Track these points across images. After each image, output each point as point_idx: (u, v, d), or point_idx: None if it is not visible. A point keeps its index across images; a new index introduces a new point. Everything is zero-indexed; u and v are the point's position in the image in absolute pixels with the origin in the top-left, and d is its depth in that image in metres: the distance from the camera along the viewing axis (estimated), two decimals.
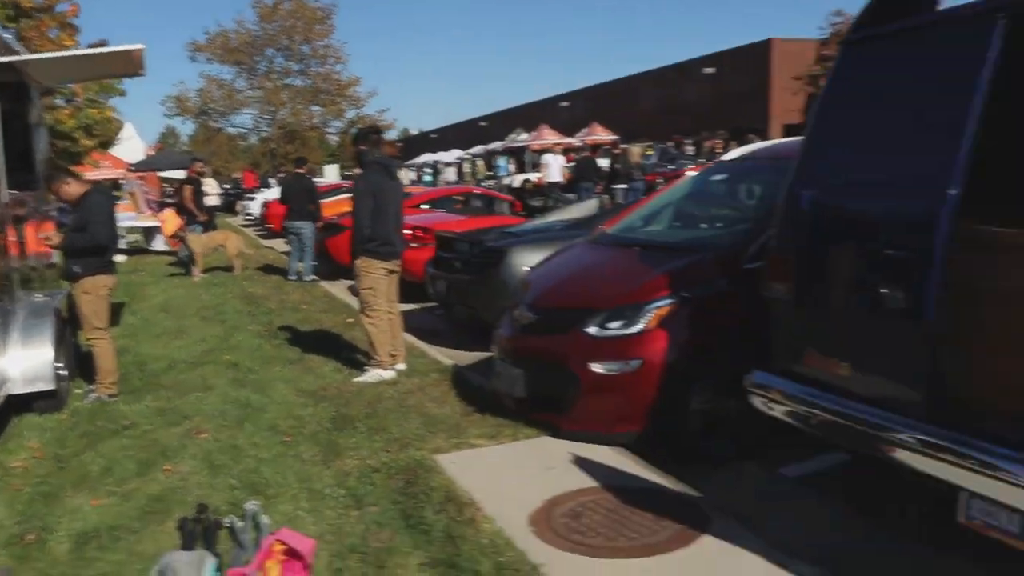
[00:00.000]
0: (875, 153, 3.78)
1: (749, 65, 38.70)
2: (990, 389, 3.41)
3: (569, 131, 36.79)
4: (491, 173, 35.53)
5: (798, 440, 4.84)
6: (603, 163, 22.55)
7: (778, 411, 4.19)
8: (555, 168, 24.31)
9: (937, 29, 3.66)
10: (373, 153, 6.87)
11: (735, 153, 6.50)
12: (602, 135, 33.94)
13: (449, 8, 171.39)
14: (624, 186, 19.22)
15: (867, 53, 3.96)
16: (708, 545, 3.89)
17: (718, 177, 6.46)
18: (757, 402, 4.31)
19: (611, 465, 4.83)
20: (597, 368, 5.00)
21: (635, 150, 20.96)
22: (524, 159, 34.32)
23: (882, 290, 3.55)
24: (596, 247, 6.09)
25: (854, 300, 3.78)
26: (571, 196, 17.72)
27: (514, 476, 4.74)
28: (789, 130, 31.41)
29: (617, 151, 23.84)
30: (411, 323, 8.44)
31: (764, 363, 4.32)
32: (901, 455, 3.51)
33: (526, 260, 7.24)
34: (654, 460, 4.91)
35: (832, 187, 3.94)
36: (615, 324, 5.02)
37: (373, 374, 6.77)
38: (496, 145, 38.26)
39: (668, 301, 4.93)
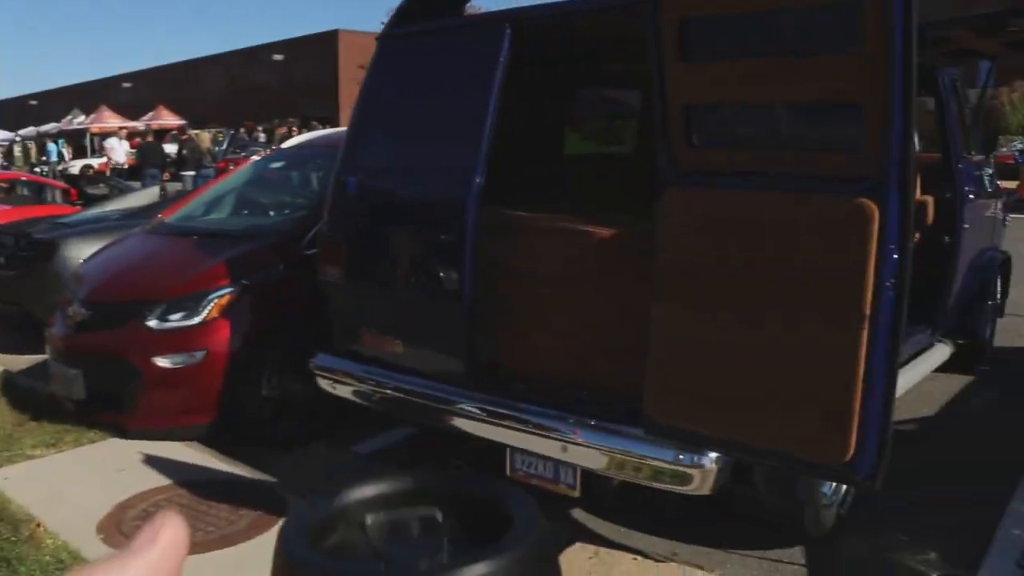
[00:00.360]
0: (411, 143, 4.14)
1: (317, 54, 39.19)
2: (520, 357, 3.94)
3: (133, 114, 34.50)
4: (45, 158, 32.18)
5: (368, 418, 5.18)
6: (170, 149, 21.53)
7: (343, 391, 4.42)
8: (119, 153, 22.68)
9: (461, 32, 4.10)
10: None
11: (294, 141, 6.66)
12: (169, 119, 32.31)
13: None
14: (193, 173, 18.50)
15: (402, 49, 4.29)
16: None
17: (277, 164, 6.57)
18: (322, 383, 4.51)
19: (184, 460, 4.74)
20: (161, 362, 4.87)
21: (205, 136, 20.30)
22: (84, 143, 31.58)
23: (423, 271, 3.92)
24: (154, 237, 5.89)
25: (401, 281, 4.10)
26: (135, 184, 16.67)
27: (79, 485, 4.46)
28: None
29: (185, 136, 22.89)
30: None
31: (327, 345, 4.56)
32: (454, 422, 3.92)
33: (81, 252, 6.77)
34: (227, 450, 4.91)
35: (375, 174, 4.24)
36: (176, 315, 4.92)
37: None
38: (50, 127, 34.69)
39: (228, 290, 4.94)
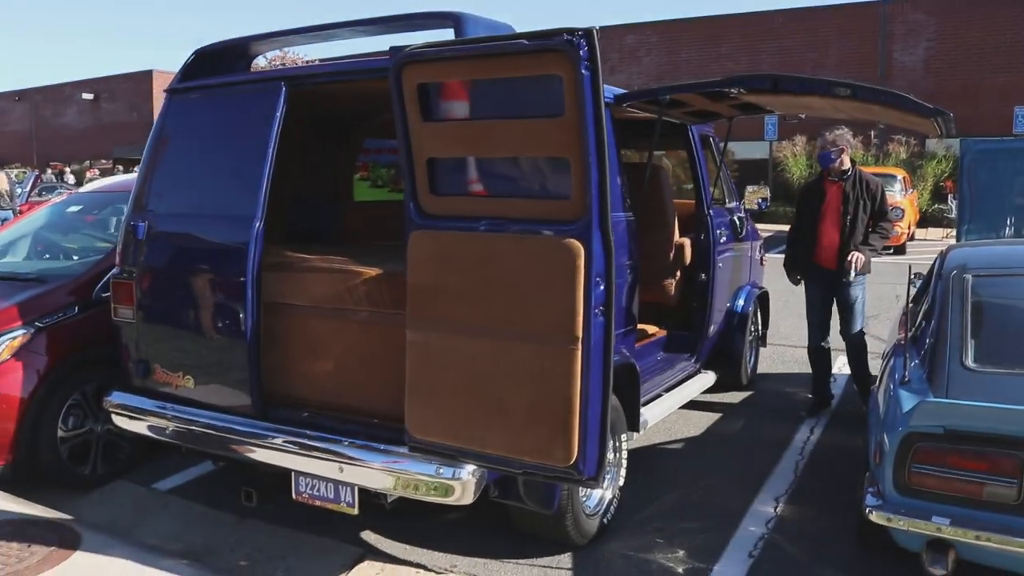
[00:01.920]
0: (197, 189, 4.41)
1: (130, 93, 37.97)
2: (302, 387, 4.24)
3: None
4: None
5: (169, 456, 5.31)
6: None
7: (138, 427, 4.58)
8: None
9: (241, 88, 4.41)
10: None
11: (92, 185, 6.72)
12: None
13: None
14: None
15: (188, 102, 4.57)
16: (80, 560, 4.09)
17: (74, 208, 6.61)
18: (119, 421, 4.65)
19: None
20: None
21: (1, 176, 19.30)
22: None
23: (209, 309, 4.20)
24: None
25: (189, 319, 4.35)
26: None
27: None
28: None
29: None
30: None
31: (123, 384, 4.70)
32: (241, 451, 4.16)
33: None
34: (24, 492, 4.92)
35: (163, 219, 4.47)
36: None
37: None
38: None
39: (20, 331, 4.98)
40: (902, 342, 4.43)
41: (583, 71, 2.98)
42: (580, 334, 3.08)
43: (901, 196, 17.81)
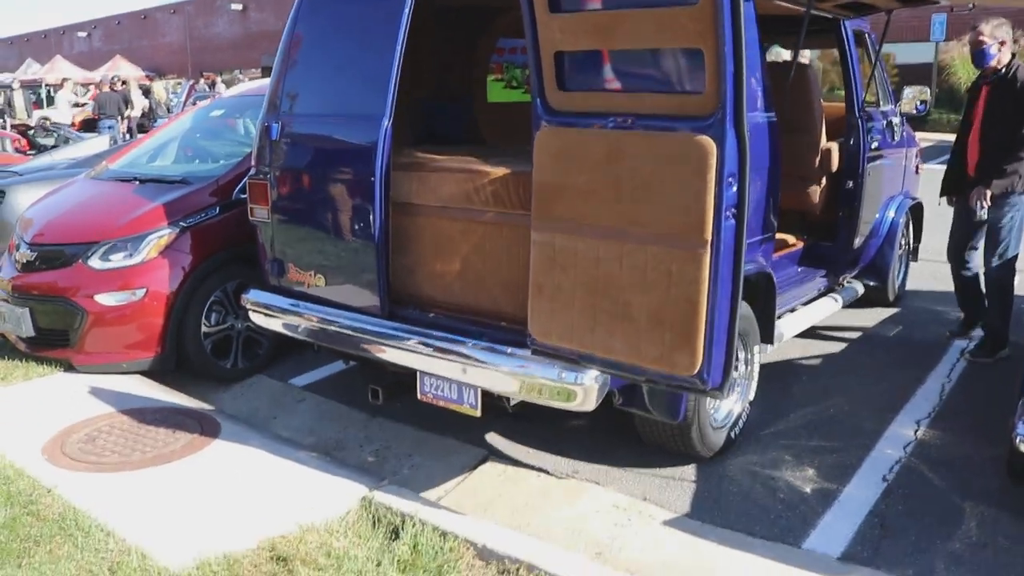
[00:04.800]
0: (328, 89, 4.40)
1: (276, 2, 38.72)
2: (429, 287, 4.25)
3: (89, 65, 34.08)
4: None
5: (306, 353, 5.49)
6: (138, 99, 21.38)
7: (273, 324, 4.71)
8: (63, 111, 22.43)
9: None
10: None
11: (234, 89, 6.87)
12: (128, 70, 31.93)
13: None
14: (150, 124, 18.55)
15: (320, 1, 4.53)
16: (219, 447, 4.33)
17: (217, 112, 6.79)
18: (255, 318, 4.80)
19: (128, 391, 5.04)
20: (103, 300, 5.13)
21: (158, 87, 20.22)
22: (41, 94, 31.11)
23: (340, 209, 4.23)
24: (97, 182, 6.12)
25: (320, 219, 4.40)
26: (88, 135, 16.64)
27: (27, 414, 4.75)
28: None
29: (147, 86, 22.80)
30: None
31: (260, 282, 4.85)
32: (370, 349, 4.21)
33: (28, 199, 6.97)
34: (171, 383, 5.22)
35: (295, 120, 4.48)
36: (117, 255, 5.17)
37: None
38: (5, 77, 34.14)
39: (166, 231, 5.20)
40: None
41: None
42: (709, 237, 2.92)
43: None
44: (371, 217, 4.07)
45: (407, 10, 4.01)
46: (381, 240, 4.08)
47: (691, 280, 2.96)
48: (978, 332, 5.86)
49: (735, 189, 2.95)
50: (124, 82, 23.62)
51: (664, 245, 3.02)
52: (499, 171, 3.86)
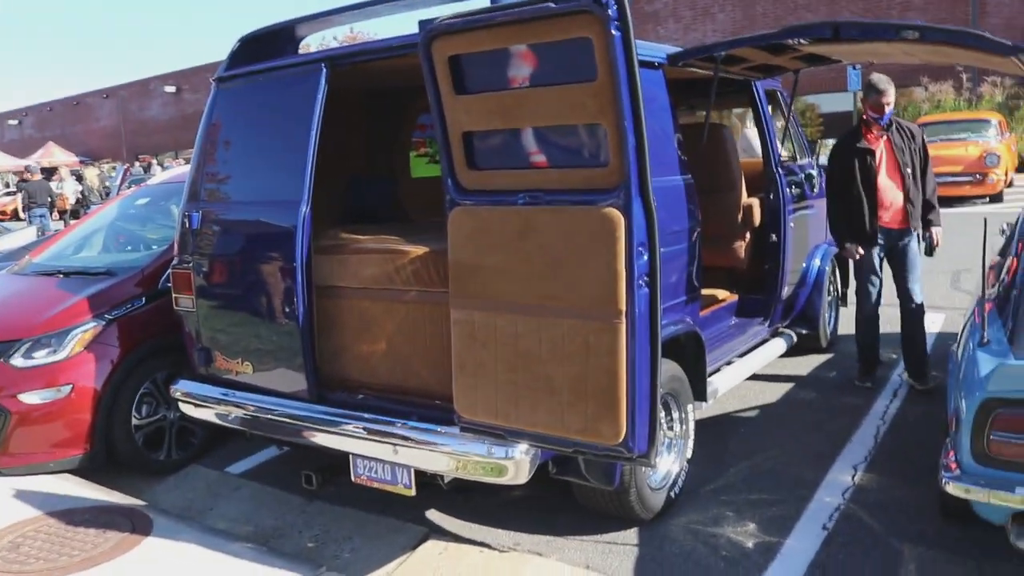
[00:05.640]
0: (246, 176, 4.42)
1: (209, 83, 38.91)
2: (356, 368, 4.23)
3: (21, 152, 33.72)
4: None
5: (242, 439, 5.38)
6: (70, 186, 21.19)
7: (204, 414, 4.65)
8: None
9: (282, 72, 4.37)
10: None
11: (159, 176, 6.85)
12: (61, 156, 31.67)
13: None
14: (83, 211, 18.35)
15: (236, 89, 4.56)
16: (151, 545, 4.19)
17: (142, 200, 6.74)
18: (185, 408, 4.74)
19: (55, 492, 4.85)
20: (27, 399, 4.98)
21: (91, 172, 20.06)
22: None
23: (263, 294, 4.21)
24: (19, 277, 6.01)
25: (245, 305, 4.37)
26: (16, 225, 16.36)
27: None
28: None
29: (80, 172, 22.64)
30: None
31: (188, 371, 4.78)
32: (302, 435, 4.18)
33: None
34: (102, 479, 5.07)
35: (216, 207, 4.49)
36: (41, 352, 5.05)
37: None
38: None
39: (91, 324, 5.11)
40: (982, 300, 4.16)
41: (613, 31, 2.84)
42: (624, 307, 2.95)
43: (996, 141, 16.87)
44: (294, 302, 4.05)
45: (320, 95, 4.06)
46: (305, 324, 4.06)
47: (609, 350, 2.99)
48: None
49: (646, 258, 3.00)
50: (55, 169, 23.47)
51: (580, 317, 3.06)
52: (418, 250, 3.89)
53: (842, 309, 7.23)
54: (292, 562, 4.01)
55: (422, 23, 3.33)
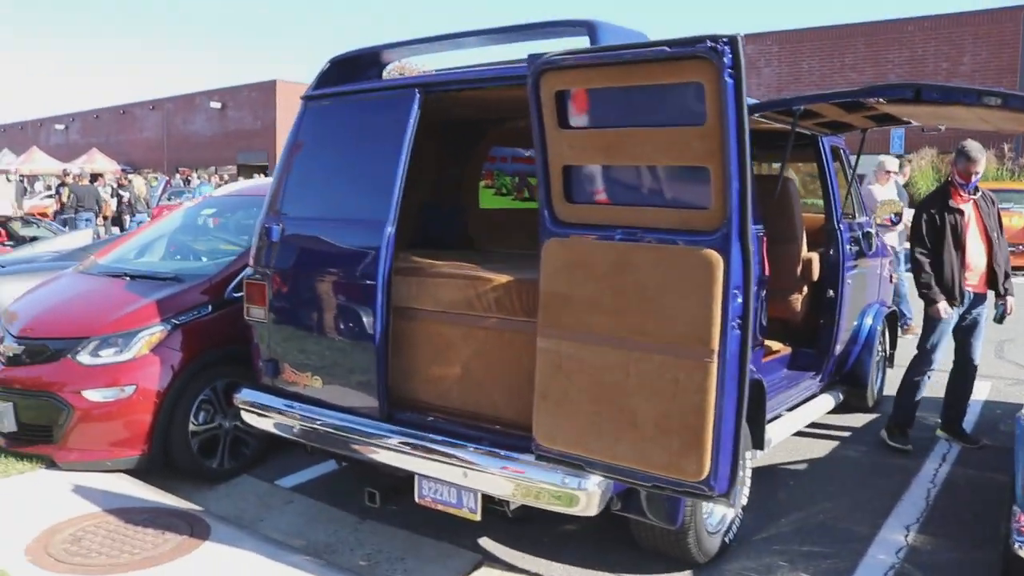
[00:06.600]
0: (332, 193, 4.51)
1: (255, 102, 39.42)
2: (426, 390, 4.28)
3: (65, 156, 34.29)
4: None
5: (294, 454, 5.45)
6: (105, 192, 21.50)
7: (265, 424, 4.72)
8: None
9: (375, 95, 4.49)
10: None
11: (224, 189, 7.00)
12: (104, 163, 32.16)
13: None
14: (130, 218, 18.65)
15: (323, 109, 4.67)
16: (210, 549, 4.24)
17: (208, 211, 6.88)
18: (247, 417, 4.80)
19: (113, 490, 4.92)
20: (91, 396, 5.08)
21: (139, 181, 20.38)
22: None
23: (339, 311, 4.28)
24: (87, 276, 6.12)
25: (319, 320, 4.45)
26: (63, 228, 16.66)
27: (8, 512, 4.63)
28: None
29: (124, 181, 22.97)
30: None
31: (252, 382, 4.85)
32: (367, 452, 4.22)
33: (10, 291, 6.96)
34: (157, 481, 5.13)
35: (297, 221, 4.58)
36: (107, 351, 5.15)
37: None
38: None
39: (158, 328, 5.20)
40: None
41: (727, 79, 2.91)
42: (717, 347, 3.00)
43: None
44: (372, 320, 4.12)
45: (413, 119, 4.16)
46: (382, 343, 4.12)
47: (699, 388, 3.03)
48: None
49: (740, 300, 3.06)
50: (98, 175, 23.83)
51: (671, 354, 3.10)
52: (502, 278, 3.95)
53: (888, 371, 7.23)
54: None
55: (531, 56, 3.42)
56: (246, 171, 31.31)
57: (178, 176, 26.75)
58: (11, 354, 5.41)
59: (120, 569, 4.04)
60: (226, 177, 21.88)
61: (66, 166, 30.91)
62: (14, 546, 4.22)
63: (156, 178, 25.38)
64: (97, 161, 32.34)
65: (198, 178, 25.94)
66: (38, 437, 5.25)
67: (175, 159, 37.26)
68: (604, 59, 3.22)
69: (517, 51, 5.36)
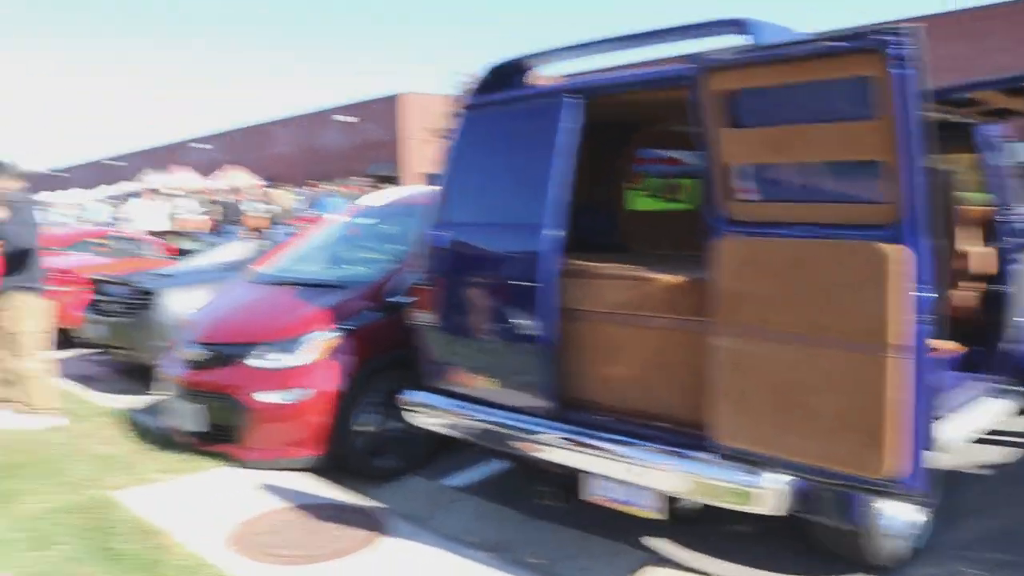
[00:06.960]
0: (497, 198, 4.63)
1: (380, 114, 40.52)
2: (595, 390, 4.34)
3: (205, 173, 36.05)
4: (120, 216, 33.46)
5: (460, 455, 5.60)
6: (256, 206, 22.47)
7: (434, 424, 4.87)
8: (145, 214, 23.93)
9: (535, 101, 4.55)
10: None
11: (381, 199, 7.25)
12: (244, 179, 33.57)
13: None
14: (277, 229, 19.45)
15: (482, 117, 4.79)
16: (392, 544, 4.45)
17: (364, 220, 7.14)
18: (415, 418, 4.97)
19: (294, 487, 5.22)
20: (264, 398, 5.37)
21: (284, 194, 21.28)
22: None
23: (508, 314, 4.39)
24: (256, 286, 6.46)
25: (486, 323, 4.57)
26: (215, 240, 17.50)
27: (200, 505, 4.96)
28: (433, 178, 33.45)
29: (265, 196, 24.08)
30: (64, 370, 8.28)
31: (416, 383, 5.01)
32: (538, 451, 4.33)
33: (181, 300, 7.41)
34: (335, 478, 5.40)
35: (462, 228, 4.73)
36: (281, 356, 5.43)
37: (40, 420, 6.55)
38: (132, 186, 36.22)
39: (331, 333, 5.45)
40: None
41: (903, 71, 2.88)
42: (906, 342, 2.96)
43: None
44: (542, 322, 4.22)
45: (579, 124, 4.25)
46: (553, 344, 4.21)
47: (889, 383, 2.99)
48: None
49: (925, 294, 3.00)
50: (237, 190, 24.89)
51: (858, 350, 3.07)
52: (671, 279, 3.98)
53: None
54: (529, 572, 4.15)
55: (694, 56, 3.46)
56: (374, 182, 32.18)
57: (306, 188, 27.70)
58: (196, 358, 5.77)
59: (316, 560, 4.28)
60: (366, 188, 22.50)
61: (209, 183, 32.51)
62: (214, 537, 4.51)
63: (293, 192, 26.39)
64: (234, 176, 33.75)
65: (330, 191, 26.80)
66: (222, 436, 5.58)
67: (306, 172, 38.65)
68: (770, 56, 3.22)
69: (647, 54, 5.38)
